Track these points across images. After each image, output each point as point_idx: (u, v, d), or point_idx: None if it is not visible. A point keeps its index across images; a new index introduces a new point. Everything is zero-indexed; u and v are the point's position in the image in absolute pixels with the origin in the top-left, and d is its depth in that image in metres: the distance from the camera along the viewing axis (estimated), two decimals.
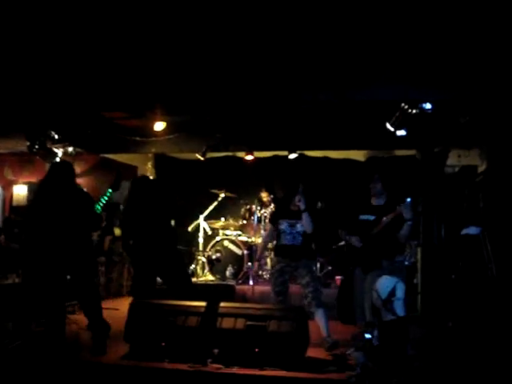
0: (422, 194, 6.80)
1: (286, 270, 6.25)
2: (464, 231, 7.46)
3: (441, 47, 5.23)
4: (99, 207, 6.14)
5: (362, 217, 6.45)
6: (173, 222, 7.08)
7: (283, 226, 6.33)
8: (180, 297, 5.98)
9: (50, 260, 5.75)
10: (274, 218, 6.60)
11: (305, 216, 6.15)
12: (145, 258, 6.32)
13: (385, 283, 4.55)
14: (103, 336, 5.78)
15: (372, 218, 6.36)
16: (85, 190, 8.28)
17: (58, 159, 8.24)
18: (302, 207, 6.13)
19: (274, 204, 9.09)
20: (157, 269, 6.38)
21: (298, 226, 6.25)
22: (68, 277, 5.88)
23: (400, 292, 4.46)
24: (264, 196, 9.49)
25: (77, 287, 5.95)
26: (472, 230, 7.30)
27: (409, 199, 5.93)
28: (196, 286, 8.42)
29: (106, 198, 6.20)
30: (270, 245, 9.13)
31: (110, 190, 6.31)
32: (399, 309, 4.43)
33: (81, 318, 6.33)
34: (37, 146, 7.88)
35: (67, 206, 5.79)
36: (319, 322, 5.97)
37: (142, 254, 6.32)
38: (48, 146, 8.04)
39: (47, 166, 9.44)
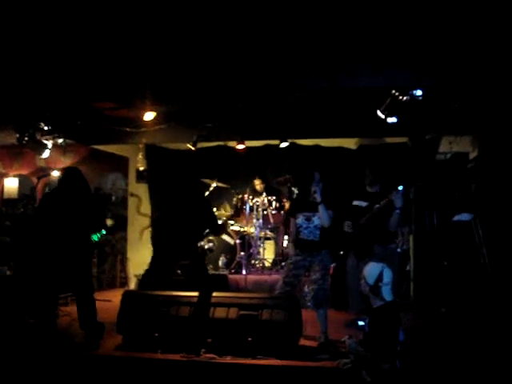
0: (413, 182, 6.78)
1: (301, 265, 6.06)
2: (456, 218, 7.49)
3: (431, 33, 5.21)
4: (96, 238, 6.12)
5: (356, 202, 6.49)
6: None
7: (300, 220, 6.13)
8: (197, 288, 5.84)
9: (49, 256, 5.77)
10: (292, 211, 6.39)
11: (321, 209, 5.93)
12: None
13: (371, 269, 4.55)
14: (97, 336, 5.77)
15: (364, 204, 6.39)
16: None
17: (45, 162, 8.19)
18: (318, 199, 5.94)
19: (289, 198, 8.99)
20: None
21: (315, 219, 6.04)
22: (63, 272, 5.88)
23: (387, 277, 4.46)
24: (257, 183, 9.47)
25: (74, 286, 5.96)
26: (464, 217, 7.32)
27: (401, 187, 5.94)
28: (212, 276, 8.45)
29: (99, 236, 6.19)
30: (262, 233, 9.15)
31: (104, 232, 6.28)
32: (387, 294, 4.44)
33: (73, 310, 6.30)
34: (26, 138, 7.82)
35: (76, 210, 5.85)
36: (318, 320, 5.90)
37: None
38: (38, 138, 7.96)
39: (37, 158, 9.42)
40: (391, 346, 4.22)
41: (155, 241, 6.62)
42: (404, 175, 7.35)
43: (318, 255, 6.00)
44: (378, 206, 6.19)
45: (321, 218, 5.97)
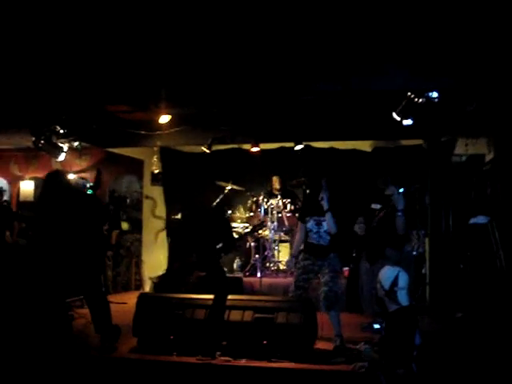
0: (413, 184, 6.74)
1: (310, 269, 6.03)
2: (472, 220, 7.43)
3: (446, 35, 5.18)
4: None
5: (373, 205, 6.49)
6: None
7: (310, 224, 6.12)
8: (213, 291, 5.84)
9: (57, 258, 5.78)
10: (302, 216, 6.36)
11: (328, 216, 5.95)
12: None
13: (387, 273, 4.52)
14: (113, 339, 5.79)
15: (379, 206, 6.39)
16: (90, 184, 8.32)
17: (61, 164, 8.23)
18: (326, 207, 5.96)
19: (302, 200, 8.97)
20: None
21: (325, 224, 6.03)
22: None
23: (402, 281, 4.42)
24: (275, 181, 9.43)
25: (83, 288, 5.97)
26: (480, 219, 7.26)
27: (401, 189, 5.94)
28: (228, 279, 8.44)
29: (92, 192, 6.20)
30: (276, 236, 9.14)
31: (91, 191, 6.28)
32: (403, 298, 4.39)
33: (88, 312, 6.32)
34: (42, 142, 7.87)
35: (69, 210, 5.83)
36: (331, 323, 5.87)
37: None
38: (53, 141, 8.01)
39: (53, 161, 9.49)
40: (407, 350, 4.19)
41: (172, 245, 6.62)
42: (420, 177, 7.33)
43: (327, 259, 5.98)
44: (384, 211, 6.21)
45: (328, 225, 5.96)
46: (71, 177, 8.60)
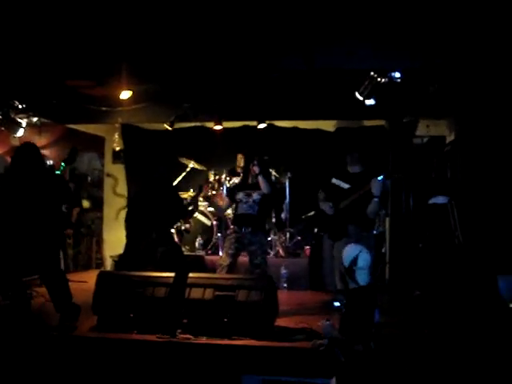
0: (394, 174, 6.83)
1: (240, 241, 6.49)
2: (432, 200, 7.53)
3: (410, 14, 5.19)
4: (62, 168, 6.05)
5: (335, 181, 6.55)
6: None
7: (240, 196, 6.62)
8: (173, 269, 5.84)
9: (15, 234, 5.66)
10: (232, 194, 6.85)
11: (260, 178, 6.44)
12: None
13: (348, 251, 4.56)
14: (73, 318, 5.72)
15: (346, 186, 6.44)
16: (51, 162, 8.17)
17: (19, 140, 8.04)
18: (257, 171, 6.44)
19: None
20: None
21: (255, 195, 6.51)
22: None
23: (362, 261, 4.45)
24: (240, 159, 9.44)
25: (42, 267, 5.86)
26: (440, 200, 7.36)
27: (380, 177, 6.03)
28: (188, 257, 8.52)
29: (59, 172, 6.10)
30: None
31: (64, 164, 6.18)
32: (360, 278, 4.43)
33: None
34: (0, 117, 7.68)
35: (35, 186, 5.69)
36: None
37: None
38: (12, 117, 7.84)
39: (12, 137, 9.27)
40: (366, 327, 4.24)
41: (129, 223, 6.58)
42: (383, 158, 7.38)
43: (257, 236, 6.46)
44: (356, 194, 6.28)
45: (261, 186, 6.45)
46: None
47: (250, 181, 6.69)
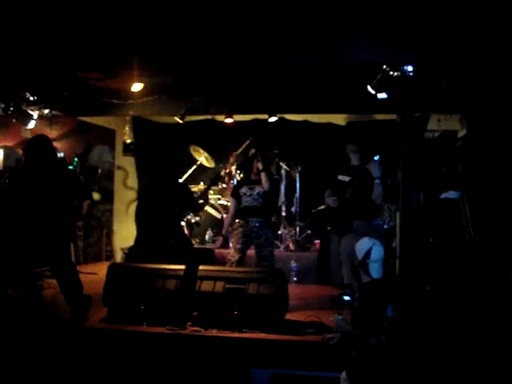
0: (388, 152, 6.84)
1: (247, 234, 6.49)
2: (443, 195, 7.49)
3: (424, 8, 5.16)
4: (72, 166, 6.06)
5: (340, 177, 6.57)
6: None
7: (243, 190, 6.63)
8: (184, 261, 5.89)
9: (28, 227, 5.70)
10: (235, 191, 6.81)
11: (263, 175, 6.47)
12: None
13: (362, 244, 4.54)
14: (83, 310, 5.74)
15: (347, 178, 6.46)
16: (62, 154, 8.17)
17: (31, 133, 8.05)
18: (261, 167, 6.48)
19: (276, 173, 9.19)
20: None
21: (258, 187, 6.55)
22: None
23: (375, 254, 4.44)
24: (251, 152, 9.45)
25: (53, 259, 5.89)
26: (451, 194, 7.32)
27: (376, 157, 6.03)
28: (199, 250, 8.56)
29: (72, 168, 6.12)
30: None
31: (77, 159, 6.20)
32: (374, 271, 4.41)
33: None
34: (12, 108, 7.70)
35: (47, 179, 5.74)
36: None
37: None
38: (23, 108, 7.85)
39: (23, 129, 9.29)
40: (378, 321, 4.22)
41: (139, 216, 6.61)
42: (392, 152, 7.36)
43: (263, 229, 6.48)
44: (357, 181, 6.29)
45: (263, 183, 6.47)
46: None
47: (252, 177, 6.69)
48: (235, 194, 6.77)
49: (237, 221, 6.69)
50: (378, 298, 4.32)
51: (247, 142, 9.06)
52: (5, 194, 6.10)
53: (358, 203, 6.35)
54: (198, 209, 7.15)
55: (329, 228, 7.15)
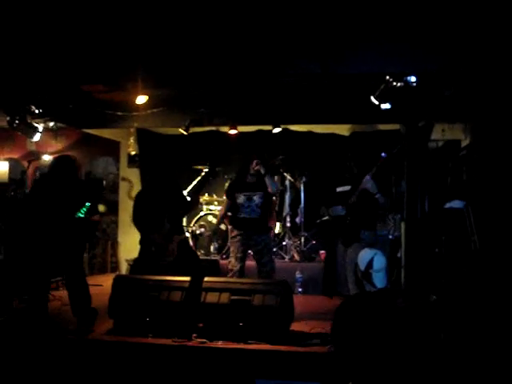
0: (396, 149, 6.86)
1: (246, 242, 6.61)
2: (448, 205, 7.49)
3: (426, 19, 5.18)
4: (81, 215, 6.14)
5: (339, 189, 6.60)
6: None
7: (240, 199, 6.64)
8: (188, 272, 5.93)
9: (40, 240, 5.76)
10: (230, 192, 6.85)
11: (267, 178, 6.53)
12: None
13: (363, 255, 4.57)
14: (90, 322, 5.76)
15: (348, 187, 6.49)
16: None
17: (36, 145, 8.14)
18: (263, 171, 6.54)
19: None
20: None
21: (255, 198, 6.58)
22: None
23: (378, 264, 4.47)
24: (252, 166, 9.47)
25: (65, 271, 5.96)
26: (456, 204, 7.32)
27: (368, 176, 6.09)
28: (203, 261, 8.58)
29: (85, 210, 6.21)
30: None
31: (88, 204, 6.28)
32: (378, 281, 4.44)
33: (65, 294, 6.28)
34: (17, 121, 7.74)
35: (66, 196, 5.86)
36: None
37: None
38: (29, 121, 7.89)
39: (28, 141, 9.36)
40: (386, 331, 4.21)
41: (138, 221, 6.64)
42: (396, 162, 7.37)
43: (262, 237, 6.61)
44: (355, 195, 6.34)
45: (268, 186, 6.54)
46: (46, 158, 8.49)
47: (248, 179, 6.73)
48: (229, 195, 6.85)
49: (234, 231, 6.76)
50: (384, 308, 4.32)
51: None
52: (22, 206, 6.22)
53: (363, 209, 6.36)
54: (189, 206, 7.19)
55: (336, 238, 7.14)
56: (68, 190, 5.89)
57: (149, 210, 6.54)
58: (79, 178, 6.25)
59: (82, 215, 6.01)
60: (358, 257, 4.62)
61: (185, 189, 9.58)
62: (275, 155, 9.22)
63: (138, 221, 6.59)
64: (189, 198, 8.87)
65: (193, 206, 7.43)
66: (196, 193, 9.30)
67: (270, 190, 6.56)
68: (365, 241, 6.22)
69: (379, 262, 4.48)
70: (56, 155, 6.54)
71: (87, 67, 6.63)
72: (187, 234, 9.32)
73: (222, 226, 9.42)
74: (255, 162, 6.62)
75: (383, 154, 6.11)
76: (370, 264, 4.48)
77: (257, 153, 6.77)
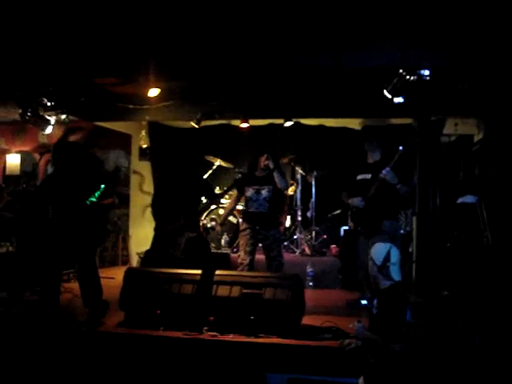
0: (410, 143, 6.79)
1: (255, 236, 6.61)
2: (460, 200, 7.46)
3: (440, 11, 5.13)
4: (93, 199, 6.12)
5: (360, 176, 6.52)
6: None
7: (249, 193, 6.65)
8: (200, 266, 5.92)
9: (52, 232, 5.79)
10: (240, 186, 6.81)
11: (276, 174, 6.50)
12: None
13: (379, 249, 4.52)
14: (101, 314, 5.78)
15: (369, 176, 6.41)
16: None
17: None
18: (272, 166, 6.52)
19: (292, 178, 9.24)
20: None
21: (264, 192, 6.57)
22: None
23: (394, 257, 4.43)
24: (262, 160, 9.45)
25: (80, 262, 5.99)
26: (468, 199, 7.29)
27: (388, 168, 6.02)
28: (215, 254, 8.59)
29: (99, 193, 6.18)
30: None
31: (103, 186, 6.25)
32: (395, 274, 4.40)
33: (76, 286, 6.30)
34: (29, 114, 7.76)
35: (77, 185, 5.91)
36: None
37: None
38: (41, 114, 7.91)
39: (40, 134, 9.38)
40: (398, 326, 4.19)
41: (156, 208, 6.65)
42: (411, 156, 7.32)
43: (271, 231, 6.60)
44: (375, 184, 6.24)
45: (277, 181, 6.51)
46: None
47: (257, 174, 6.72)
48: (239, 188, 6.84)
49: (243, 224, 6.76)
50: (399, 303, 4.30)
51: None
52: (30, 197, 6.24)
53: (384, 199, 6.27)
54: (215, 197, 7.12)
55: (358, 229, 7.06)
56: (75, 173, 5.91)
57: (168, 199, 6.56)
58: (83, 160, 6.25)
59: (95, 199, 5.96)
60: (371, 252, 4.57)
61: None
62: (286, 150, 9.20)
63: (156, 207, 6.62)
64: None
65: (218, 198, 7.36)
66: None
67: (278, 185, 6.55)
68: (387, 231, 6.17)
69: (395, 254, 4.45)
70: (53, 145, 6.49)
71: (100, 60, 6.64)
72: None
73: (233, 219, 9.42)
74: (265, 156, 6.60)
75: (401, 148, 6.04)
76: (387, 257, 4.43)
77: (268, 147, 6.71)
